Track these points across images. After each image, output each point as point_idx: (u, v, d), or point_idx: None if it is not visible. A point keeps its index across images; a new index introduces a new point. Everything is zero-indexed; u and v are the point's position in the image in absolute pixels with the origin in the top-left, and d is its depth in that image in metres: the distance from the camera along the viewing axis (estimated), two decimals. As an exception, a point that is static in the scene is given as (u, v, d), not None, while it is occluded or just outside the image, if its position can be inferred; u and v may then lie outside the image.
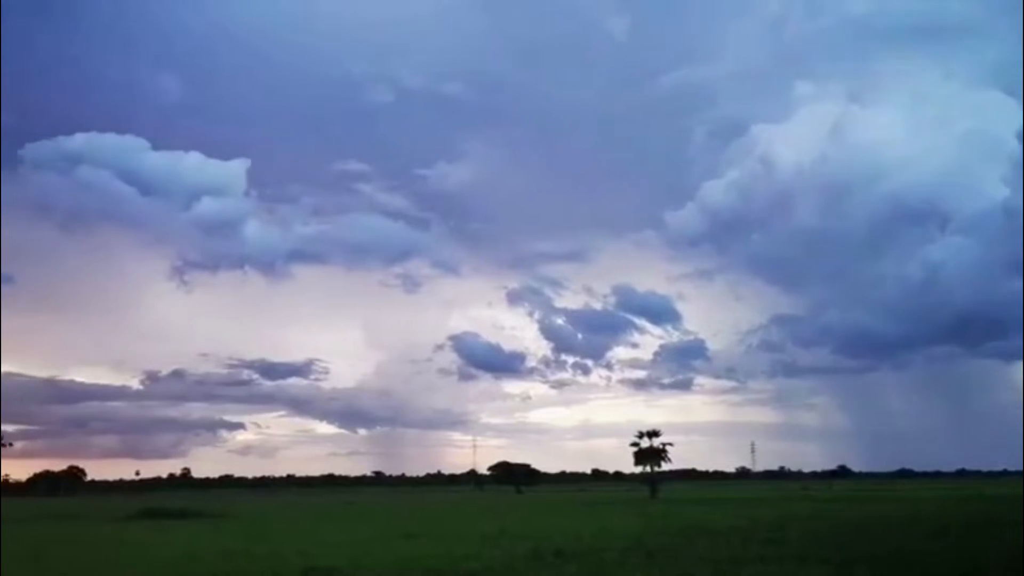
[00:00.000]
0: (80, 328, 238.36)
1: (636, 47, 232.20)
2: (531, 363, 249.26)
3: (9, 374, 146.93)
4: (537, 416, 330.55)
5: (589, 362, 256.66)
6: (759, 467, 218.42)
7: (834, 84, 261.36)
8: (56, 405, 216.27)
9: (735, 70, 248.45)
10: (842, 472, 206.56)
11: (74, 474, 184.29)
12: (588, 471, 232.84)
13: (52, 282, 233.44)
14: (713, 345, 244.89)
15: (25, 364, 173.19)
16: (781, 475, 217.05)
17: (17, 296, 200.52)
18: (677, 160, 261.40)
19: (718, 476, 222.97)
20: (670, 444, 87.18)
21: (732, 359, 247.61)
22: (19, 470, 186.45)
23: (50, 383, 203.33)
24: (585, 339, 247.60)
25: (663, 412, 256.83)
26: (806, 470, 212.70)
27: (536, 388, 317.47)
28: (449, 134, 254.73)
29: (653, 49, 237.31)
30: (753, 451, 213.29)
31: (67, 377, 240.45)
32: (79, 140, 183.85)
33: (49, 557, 24.35)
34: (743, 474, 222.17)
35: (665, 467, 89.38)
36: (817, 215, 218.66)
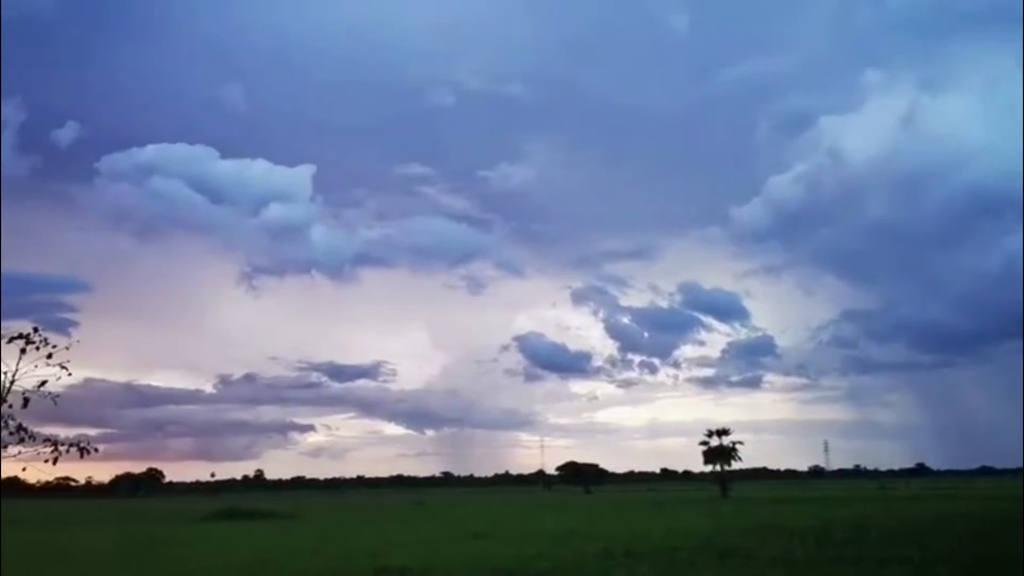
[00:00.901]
0: (155, 333, 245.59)
1: (698, 41, 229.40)
2: (597, 363, 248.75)
3: (90, 379, 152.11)
4: (604, 416, 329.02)
5: (656, 361, 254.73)
6: (833, 466, 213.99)
7: (904, 72, 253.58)
8: (135, 409, 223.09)
9: (801, 60, 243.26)
10: (921, 470, 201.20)
11: (153, 476, 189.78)
12: (656, 470, 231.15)
13: (129, 289, 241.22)
14: (782, 342, 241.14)
15: (105, 369, 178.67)
16: (856, 474, 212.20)
17: (96, 303, 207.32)
18: (742, 155, 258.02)
19: (790, 475, 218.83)
20: (740, 443, 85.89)
21: (802, 356, 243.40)
22: (102, 472, 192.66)
23: (128, 387, 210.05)
24: (651, 338, 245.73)
25: (732, 410, 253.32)
26: (883, 468, 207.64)
27: (603, 388, 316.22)
28: (510, 135, 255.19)
29: (715, 42, 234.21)
30: (827, 450, 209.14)
31: (144, 381, 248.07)
32: (151, 151, 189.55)
33: (134, 558, 25.10)
34: (816, 473, 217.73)
35: (735, 466, 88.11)
36: (889, 207, 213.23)
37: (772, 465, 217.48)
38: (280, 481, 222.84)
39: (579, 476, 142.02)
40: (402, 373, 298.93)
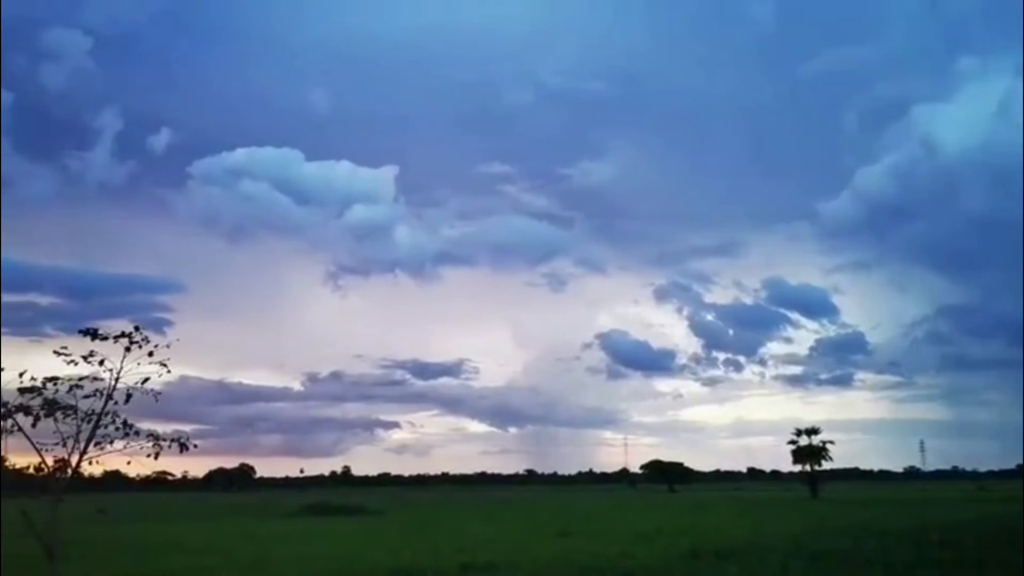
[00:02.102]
0: (246, 332, 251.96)
1: (783, 30, 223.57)
2: (681, 360, 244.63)
3: (185, 376, 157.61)
4: (689, 414, 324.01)
5: (741, 358, 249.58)
6: (929, 467, 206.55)
7: (1000, 58, 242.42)
8: (227, 406, 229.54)
9: (890, 48, 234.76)
10: (1022, 471, 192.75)
11: (245, 471, 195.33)
12: (743, 470, 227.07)
13: (220, 289, 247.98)
14: (874, 339, 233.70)
15: (198, 367, 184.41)
16: (954, 475, 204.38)
17: (190, 303, 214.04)
18: (829, 147, 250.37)
19: (884, 476, 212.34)
20: (831, 442, 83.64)
21: (895, 353, 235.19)
22: (197, 467, 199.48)
23: (221, 385, 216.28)
24: (736, 335, 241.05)
25: (821, 409, 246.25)
26: (982, 469, 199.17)
27: (687, 386, 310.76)
28: (591, 131, 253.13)
29: (801, 31, 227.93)
30: (922, 450, 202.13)
31: (236, 379, 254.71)
32: (240, 155, 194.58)
33: (233, 549, 25.93)
34: (912, 474, 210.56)
35: (826, 466, 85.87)
36: (985, 198, 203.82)
37: (864, 465, 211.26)
38: (367, 477, 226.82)
39: (663, 475, 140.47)
40: (485, 371, 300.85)
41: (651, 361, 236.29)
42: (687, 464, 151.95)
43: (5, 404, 10.90)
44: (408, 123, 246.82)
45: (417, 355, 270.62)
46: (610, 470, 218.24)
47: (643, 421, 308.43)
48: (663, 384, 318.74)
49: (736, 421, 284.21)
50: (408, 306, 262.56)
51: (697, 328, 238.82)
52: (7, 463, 11.96)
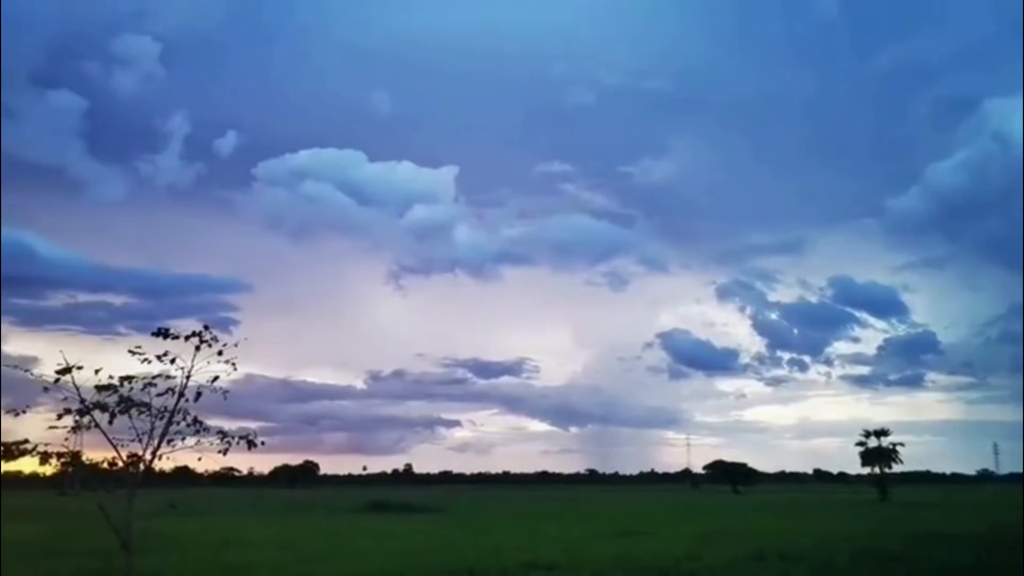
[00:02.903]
0: (309, 331, 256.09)
1: (848, 25, 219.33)
2: (744, 360, 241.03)
3: (251, 375, 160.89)
4: (753, 414, 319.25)
5: (807, 358, 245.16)
6: (1004, 469, 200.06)
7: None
8: (291, 404, 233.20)
9: (962, 40, 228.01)
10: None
11: (309, 468, 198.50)
12: (809, 471, 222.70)
13: (285, 289, 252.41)
14: (945, 338, 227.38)
15: (263, 365, 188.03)
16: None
17: (255, 303, 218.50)
18: (898, 142, 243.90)
19: (956, 479, 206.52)
20: (900, 444, 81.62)
21: (968, 353, 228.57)
22: (262, 463, 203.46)
23: (285, 383, 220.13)
24: (801, 334, 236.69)
25: (890, 410, 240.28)
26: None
27: (751, 385, 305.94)
28: (651, 129, 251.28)
29: (868, 24, 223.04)
30: (996, 452, 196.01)
31: (300, 377, 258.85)
32: (303, 156, 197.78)
33: (300, 544, 26.42)
34: (985, 477, 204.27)
35: (896, 469, 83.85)
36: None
37: (936, 468, 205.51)
38: (428, 475, 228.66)
39: (727, 475, 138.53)
40: (545, 370, 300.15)
41: (713, 360, 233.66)
42: (751, 465, 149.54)
43: (83, 401, 11.27)
44: (468, 123, 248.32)
45: (478, 354, 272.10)
46: (672, 470, 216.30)
47: (705, 421, 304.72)
48: (726, 384, 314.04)
49: (801, 421, 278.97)
50: (468, 305, 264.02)
51: (760, 327, 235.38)
52: (84, 458, 12.34)
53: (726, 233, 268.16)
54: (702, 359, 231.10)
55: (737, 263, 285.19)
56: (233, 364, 11.89)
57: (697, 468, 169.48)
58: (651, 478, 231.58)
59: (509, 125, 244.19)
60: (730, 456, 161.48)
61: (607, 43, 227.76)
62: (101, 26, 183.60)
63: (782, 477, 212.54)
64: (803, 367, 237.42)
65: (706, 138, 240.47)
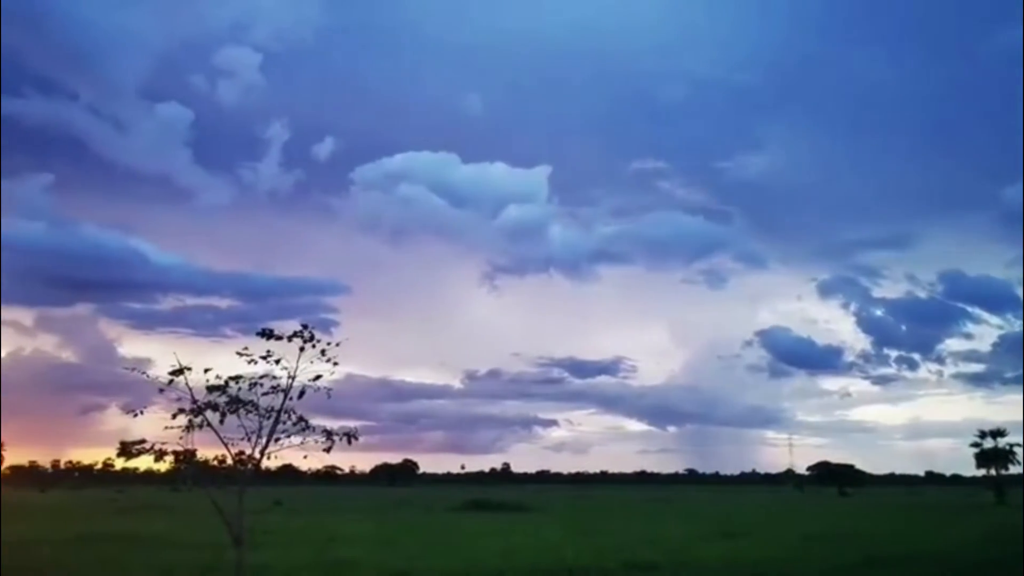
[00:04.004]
0: (406, 331, 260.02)
1: (956, 7, 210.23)
2: (849, 358, 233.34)
3: (351, 374, 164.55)
4: (859, 414, 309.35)
5: (916, 356, 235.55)
6: None
7: None
8: (390, 403, 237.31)
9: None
10: None
11: (408, 467, 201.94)
12: (920, 473, 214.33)
13: (382, 290, 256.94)
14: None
15: (362, 365, 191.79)
16: None
17: (354, 304, 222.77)
18: (1013, 128, 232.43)
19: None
20: (1018, 445, 77.94)
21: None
22: (363, 462, 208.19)
23: (384, 383, 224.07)
24: (910, 331, 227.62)
25: (1007, 409, 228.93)
26: None
27: (856, 384, 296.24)
28: (747, 123, 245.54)
29: (977, 6, 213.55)
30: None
31: (398, 377, 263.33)
32: (399, 160, 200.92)
33: (401, 541, 26.86)
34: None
35: (1013, 470, 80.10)
36: None
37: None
38: (525, 474, 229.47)
39: (833, 477, 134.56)
40: (642, 369, 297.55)
41: (816, 358, 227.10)
42: (858, 466, 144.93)
43: (195, 401, 11.68)
44: (560, 122, 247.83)
45: (574, 353, 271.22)
46: (774, 471, 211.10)
47: (808, 421, 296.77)
48: (829, 382, 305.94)
49: (911, 421, 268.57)
50: (563, 305, 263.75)
51: (865, 324, 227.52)
52: (196, 456, 12.75)
53: (827, 228, 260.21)
54: (804, 357, 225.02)
55: (839, 258, 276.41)
56: (336, 363, 12.12)
57: (800, 469, 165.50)
58: (752, 479, 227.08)
59: (601, 122, 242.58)
60: (835, 457, 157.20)
61: (698, 36, 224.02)
62: (204, 40, 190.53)
63: (891, 479, 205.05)
64: (912, 365, 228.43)
65: (803, 130, 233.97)
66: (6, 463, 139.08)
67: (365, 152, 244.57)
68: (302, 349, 11.95)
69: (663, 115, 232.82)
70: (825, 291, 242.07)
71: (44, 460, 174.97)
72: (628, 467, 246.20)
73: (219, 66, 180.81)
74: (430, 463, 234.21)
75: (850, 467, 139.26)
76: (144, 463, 12.34)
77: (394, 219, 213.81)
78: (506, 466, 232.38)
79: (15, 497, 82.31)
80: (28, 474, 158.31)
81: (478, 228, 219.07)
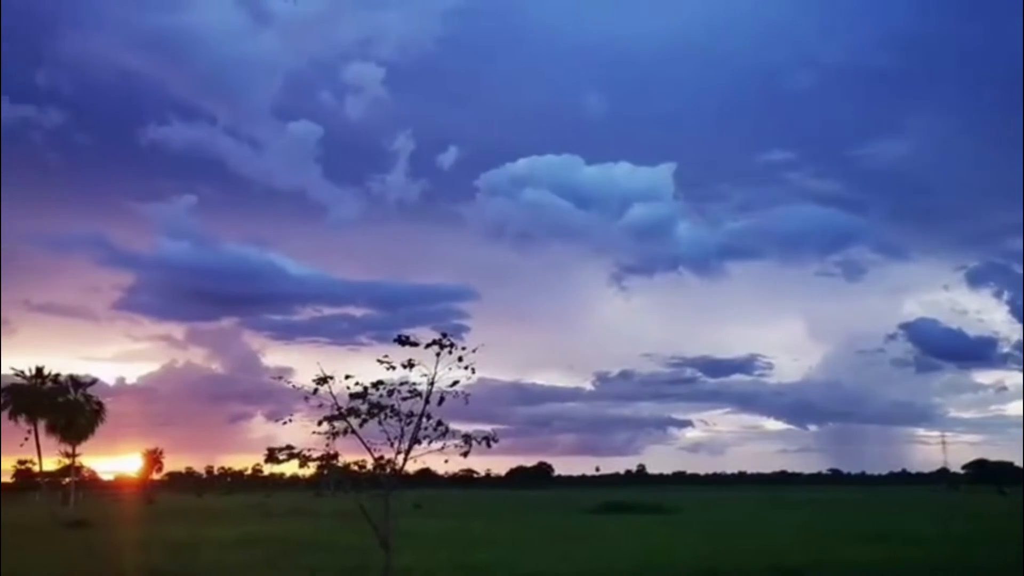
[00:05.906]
0: (536, 335, 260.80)
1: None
2: (1004, 349, 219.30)
3: (483, 379, 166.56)
4: (1016, 408, 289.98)
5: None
6: None
7: None
8: (522, 406, 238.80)
9: None
10: None
11: (543, 469, 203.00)
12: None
13: (511, 295, 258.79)
14: None
15: (494, 369, 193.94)
16: None
17: (483, 309, 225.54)
18: None
19: None
20: None
21: None
22: (498, 465, 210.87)
23: (516, 386, 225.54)
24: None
25: None
26: None
27: (1013, 377, 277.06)
28: (881, 108, 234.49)
29: None
30: None
31: (530, 380, 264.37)
32: (522, 164, 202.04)
33: (538, 543, 27.06)
34: None
35: None
36: None
37: None
38: (661, 476, 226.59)
39: (990, 475, 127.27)
40: (779, 366, 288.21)
41: (967, 351, 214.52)
42: (1017, 464, 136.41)
43: (339, 408, 12.12)
44: (683, 118, 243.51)
45: (706, 352, 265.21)
46: (926, 470, 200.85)
47: (961, 417, 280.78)
48: (983, 376, 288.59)
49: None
50: (694, 303, 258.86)
51: (1020, 313, 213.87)
52: (338, 461, 13.19)
53: (974, 213, 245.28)
54: (954, 350, 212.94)
55: (989, 244, 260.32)
56: (472, 369, 12.34)
57: (955, 467, 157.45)
58: (902, 478, 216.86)
59: (725, 116, 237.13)
60: (992, 454, 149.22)
61: (824, 21, 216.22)
62: (330, 58, 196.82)
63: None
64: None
65: (944, 111, 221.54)
66: (165, 469, 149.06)
67: (488, 158, 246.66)
68: (439, 355, 12.23)
69: (790, 105, 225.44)
70: (975, 279, 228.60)
71: (199, 466, 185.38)
72: (768, 467, 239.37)
73: (345, 82, 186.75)
74: (564, 466, 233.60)
75: (1008, 464, 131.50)
76: (290, 468, 12.89)
77: (520, 223, 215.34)
78: (641, 468, 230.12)
79: (177, 501, 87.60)
80: (185, 480, 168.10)
81: (604, 229, 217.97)
